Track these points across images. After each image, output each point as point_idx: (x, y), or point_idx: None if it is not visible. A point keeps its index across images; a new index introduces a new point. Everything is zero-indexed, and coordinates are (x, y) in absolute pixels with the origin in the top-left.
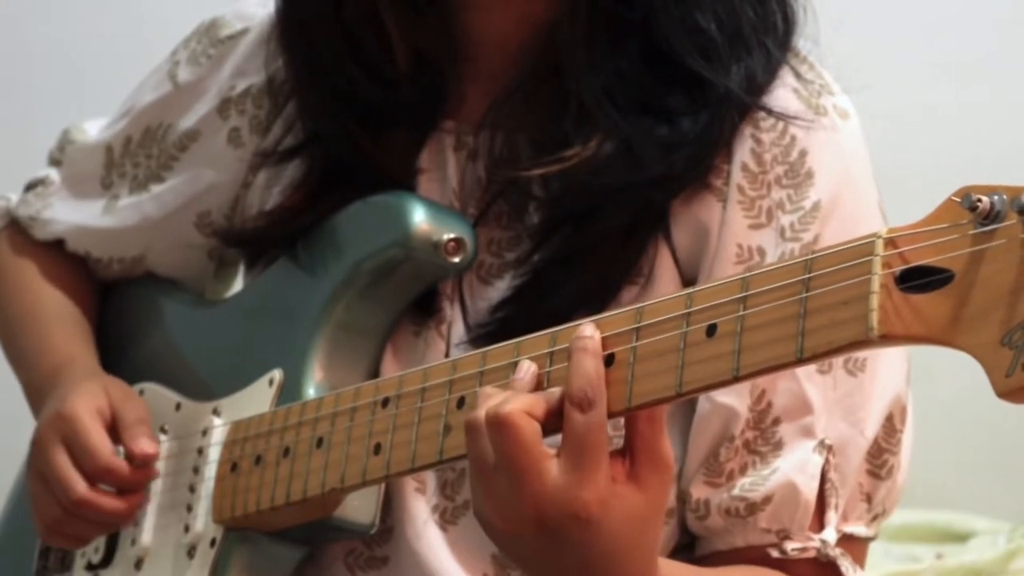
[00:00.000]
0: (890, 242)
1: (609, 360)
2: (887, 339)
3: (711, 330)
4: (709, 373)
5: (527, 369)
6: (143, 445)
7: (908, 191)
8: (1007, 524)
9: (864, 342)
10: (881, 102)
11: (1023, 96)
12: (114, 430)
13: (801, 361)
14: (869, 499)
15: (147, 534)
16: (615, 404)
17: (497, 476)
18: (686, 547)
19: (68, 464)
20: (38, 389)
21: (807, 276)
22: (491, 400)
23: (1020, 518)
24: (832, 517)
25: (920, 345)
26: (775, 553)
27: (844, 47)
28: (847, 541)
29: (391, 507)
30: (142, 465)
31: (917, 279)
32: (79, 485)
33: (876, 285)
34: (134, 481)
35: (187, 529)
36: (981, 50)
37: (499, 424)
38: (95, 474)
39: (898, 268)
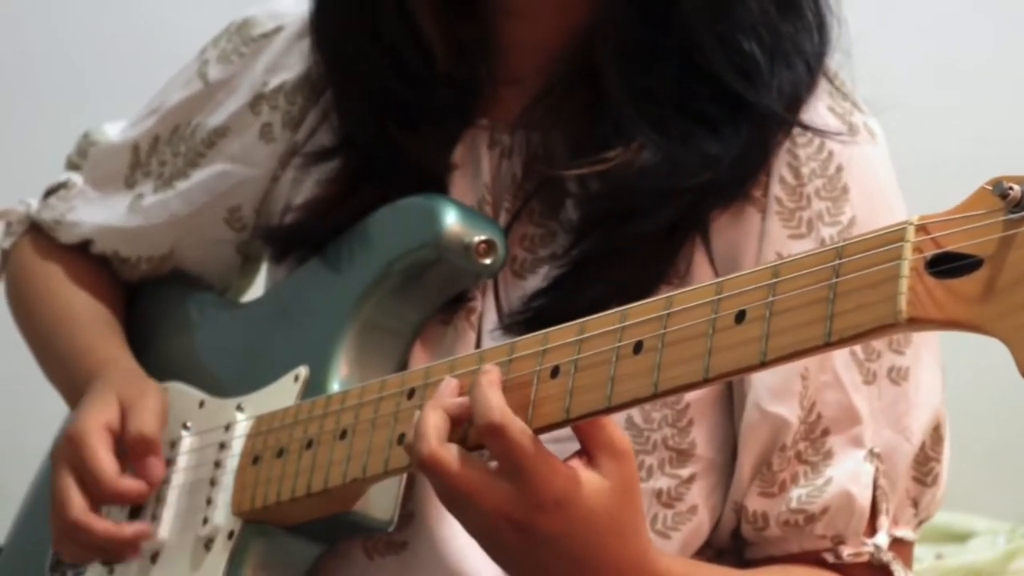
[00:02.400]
0: (921, 228)
1: (637, 348)
2: (915, 322)
3: (740, 316)
4: (737, 358)
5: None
6: (149, 469)
7: (908, 192)
8: (1007, 524)
9: (892, 325)
10: (885, 104)
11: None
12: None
13: (829, 345)
14: (916, 504)
15: (164, 528)
16: (641, 391)
17: (456, 504)
18: (707, 546)
19: (69, 485)
20: (77, 393)
21: (838, 262)
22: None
23: (1020, 518)
24: (884, 522)
25: (948, 330)
26: (830, 558)
27: (844, 48)
28: (896, 545)
29: (413, 493)
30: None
31: (947, 264)
32: (73, 508)
33: (906, 269)
34: (140, 500)
35: (205, 522)
36: (982, 50)
37: (428, 469)
38: (102, 499)
39: (929, 252)
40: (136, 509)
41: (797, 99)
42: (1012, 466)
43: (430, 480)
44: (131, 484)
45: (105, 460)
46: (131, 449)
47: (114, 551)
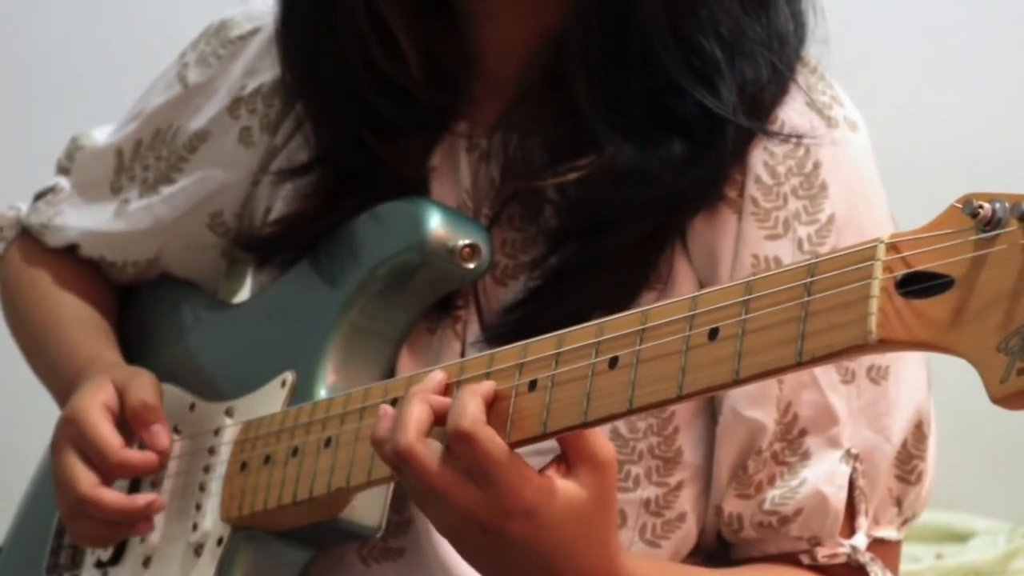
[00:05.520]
0: (892, 247)
1: (613, 363)
2: (886, 343)
3: (713, 333)
4: (710, 377)
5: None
6: (156, 436)
7: (908, 191)
8: (1007, 524)
9: (863, 346)
10: (881, 102)
11: (1023, 96)
12: (123, 419)
13: (800, 365)
14: (899, 503)
15: (156, 532)
16: (616, 408)
17: (427, 501)
18: (697, 551)
19: (74, 463)
20: (66, 395)
21: (810, 280)
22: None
23: (1020, 518)
24: (862, 523)
25: (918, 350)
26: (806, 560)
27: (845, 49)
28: (878, 545)
29: (408, 500)
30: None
31: (918, 284)
32: (81, 484)
33: (876, 289)
34: (149, 470)
35: (195, 527)
36: (982, 50)
37: (404, 462)
38: (110, 472)
39: (899, 272)
40: None
41: (761, 101)
42: (1012, 466)
43: (403, 473)
44: (138, 454)
45: (108, 432)
46: (135, 418)
47: (127, 524)
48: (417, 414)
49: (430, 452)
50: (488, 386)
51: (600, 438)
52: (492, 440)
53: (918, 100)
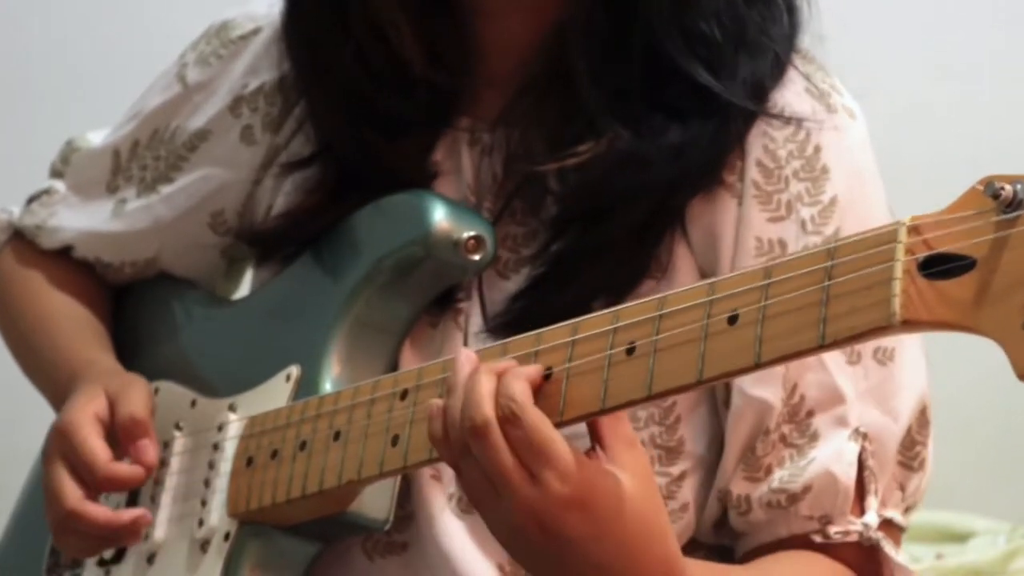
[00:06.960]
0: (914, 229)
1: (630, 351)
2: (909, 324)
3: (733, 319)
4: (731, 362)
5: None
6: (143, 451)
7: (907, 191)
8: (1007, 524)
9: (887, 327)
10: (881, 101)
11: (1023, 96)
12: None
13: (823, 347)
14: (903, 489)
15: (160, 529)
16: (635, 392)
17: (488, 496)
18: (694, 544)
19: (62, 477)
20: (61, 399)
21: (830, 264)
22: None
23: (1020, 518)
24: (872, 502)
25: (942, 331)
26: (818, 539)
27: (845, 46)
28: (886, 527)
29: (410, 494)
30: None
31: (940, 265)
32: (67, 498)
33: (899, 271)
34: (136, 484)
35: (201, 523)
36: (982, 50)
37: (477, 437)
38: (97, 486)
39: (921, 254)
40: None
41: (762, 88)
42: (1012, 466)
43: (478, 453)
44: (125, 468)
45: (97, 446)
46: (123, 432)
47: (114, 538)
48: (489, 387)
49: (503, 431)
50: (535, 370)
51: (626, 421)
52: (542, 420)
53: (917, 97)
